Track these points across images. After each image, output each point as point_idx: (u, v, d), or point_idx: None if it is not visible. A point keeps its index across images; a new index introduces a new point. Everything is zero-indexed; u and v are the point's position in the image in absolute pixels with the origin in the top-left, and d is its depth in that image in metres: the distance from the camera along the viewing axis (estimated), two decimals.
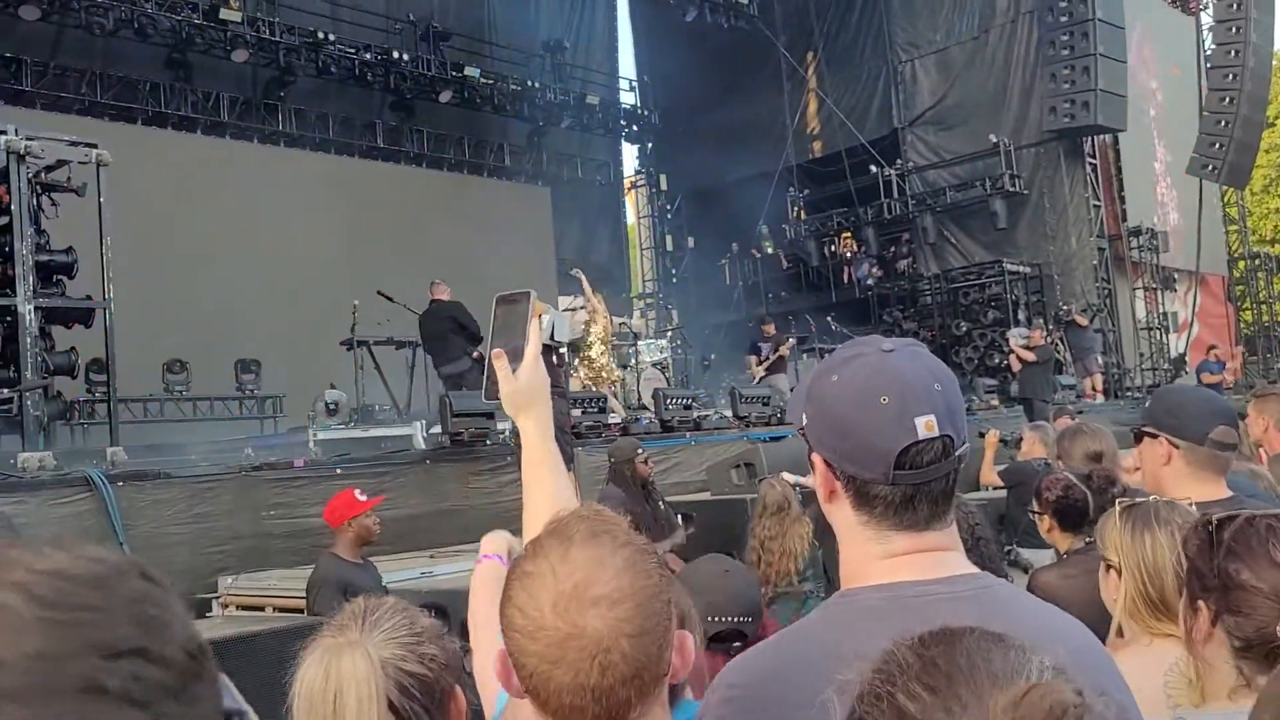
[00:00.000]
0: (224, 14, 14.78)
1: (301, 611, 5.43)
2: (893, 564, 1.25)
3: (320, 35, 16.07)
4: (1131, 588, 2.07)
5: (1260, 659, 1.57)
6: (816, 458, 1.30)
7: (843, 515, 1.29)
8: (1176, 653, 1.90)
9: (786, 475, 5.84)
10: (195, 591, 6.55)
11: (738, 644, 2.34)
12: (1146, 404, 2.72)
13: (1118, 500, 2.29)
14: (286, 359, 14.28)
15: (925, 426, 1.20)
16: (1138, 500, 2.26)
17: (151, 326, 13.89)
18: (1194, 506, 2.22)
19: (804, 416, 1.31)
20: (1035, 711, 0.76)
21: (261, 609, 6.14)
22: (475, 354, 10.48)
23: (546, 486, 1.74)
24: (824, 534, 5.77)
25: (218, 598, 6.49)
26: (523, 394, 1.74)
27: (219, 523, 6.94)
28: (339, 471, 7.58)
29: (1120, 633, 2.12)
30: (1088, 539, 3.05)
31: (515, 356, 1.74)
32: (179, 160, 14.78)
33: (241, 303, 15.43)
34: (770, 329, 15.27)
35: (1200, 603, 1.66)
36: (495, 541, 2.04)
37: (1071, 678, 0.82)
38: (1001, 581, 1.30)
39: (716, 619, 2.34)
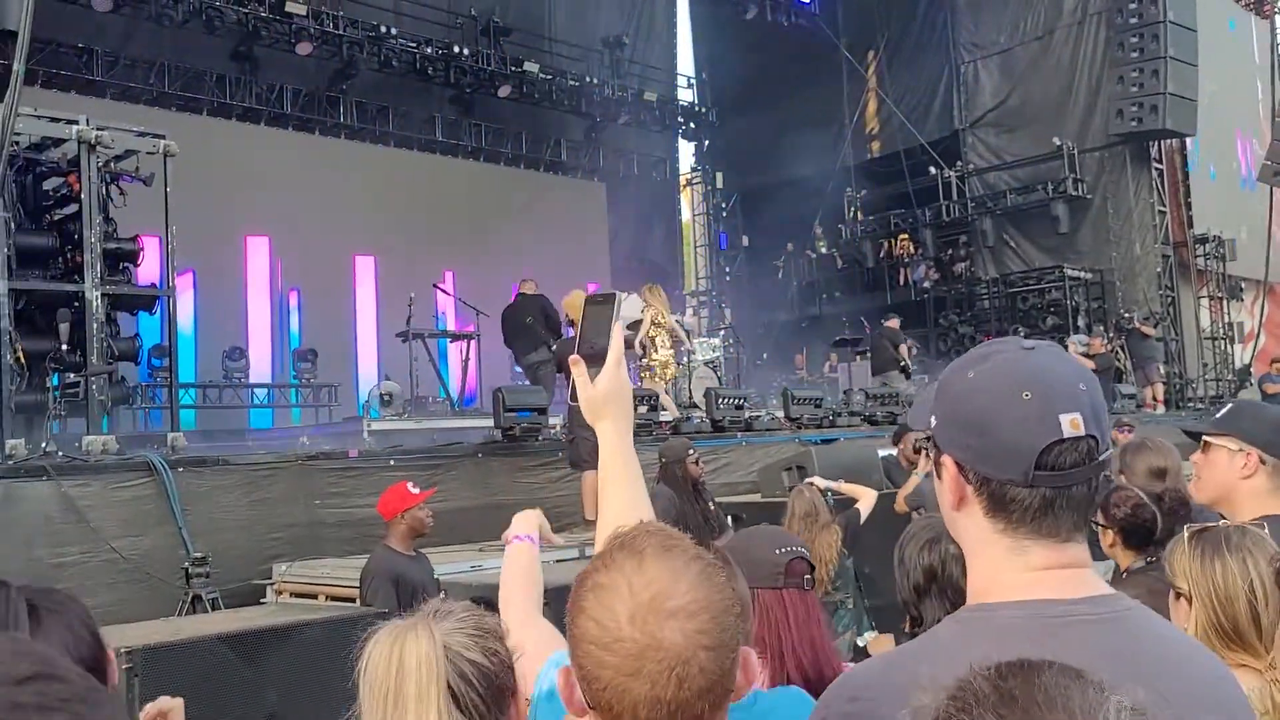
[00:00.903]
0: (289, 7, 15.00)
1: (353, 600, 5.49)
2: (1032, 578, 1.18)
3: (382, 29, 16.25)
4: (1203, 617, 2.01)
5: None
6: (947, 459, 1.23)
7: (973, 523, 1.22)
8: (1251, 683, 1.85)
9: (818, 481, 5.80)
10: (250, 577, 6.65)
11: (809, 575, 2.27)
12: (1222, 413, 2.67)
13: (1186, 525, 2.23)
14: (342, 349, 14.48)
15: (1071, 425, 1.14)
16: (1208, 525, 2.20)
17: (211, 315, 14.20)
18: (1265, 528, 2.16)
19: (932, 418, 1.25)
20: None
21: (314, 597, 6.21)
22: (553, 344, 10.56)
23: (622, 492, 1.72)
24: (854, 543, 5.73)
25: (272, 584, 6.58)
26: (601, 400, 1.72)
27: (274, 510, 7.05)
28: (392, 463, 7.65)
29: None
30: (1149, 559, 3.00)
31: (595, 361, 1.72)
32: (242, 151, 15.03)
33: (301, 292, 15.71)
34: (896, 323, 15.34)
35: None
36: (526, 521, 2.07)
37: (1152, 719, 0.80)
38: (1139, 604, 1.23)
39: (781, 549, 2.24)
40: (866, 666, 1.28)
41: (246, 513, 6.92)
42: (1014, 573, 1.19)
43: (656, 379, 11.33)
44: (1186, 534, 2.16)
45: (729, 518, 6.99)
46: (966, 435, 1.20)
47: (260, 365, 14.35)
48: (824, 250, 21.47)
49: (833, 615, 4.21)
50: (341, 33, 15.80)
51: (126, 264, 8.06)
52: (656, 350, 11.28)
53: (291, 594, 6.45)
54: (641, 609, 1.13)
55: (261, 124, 16.03)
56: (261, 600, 6.47)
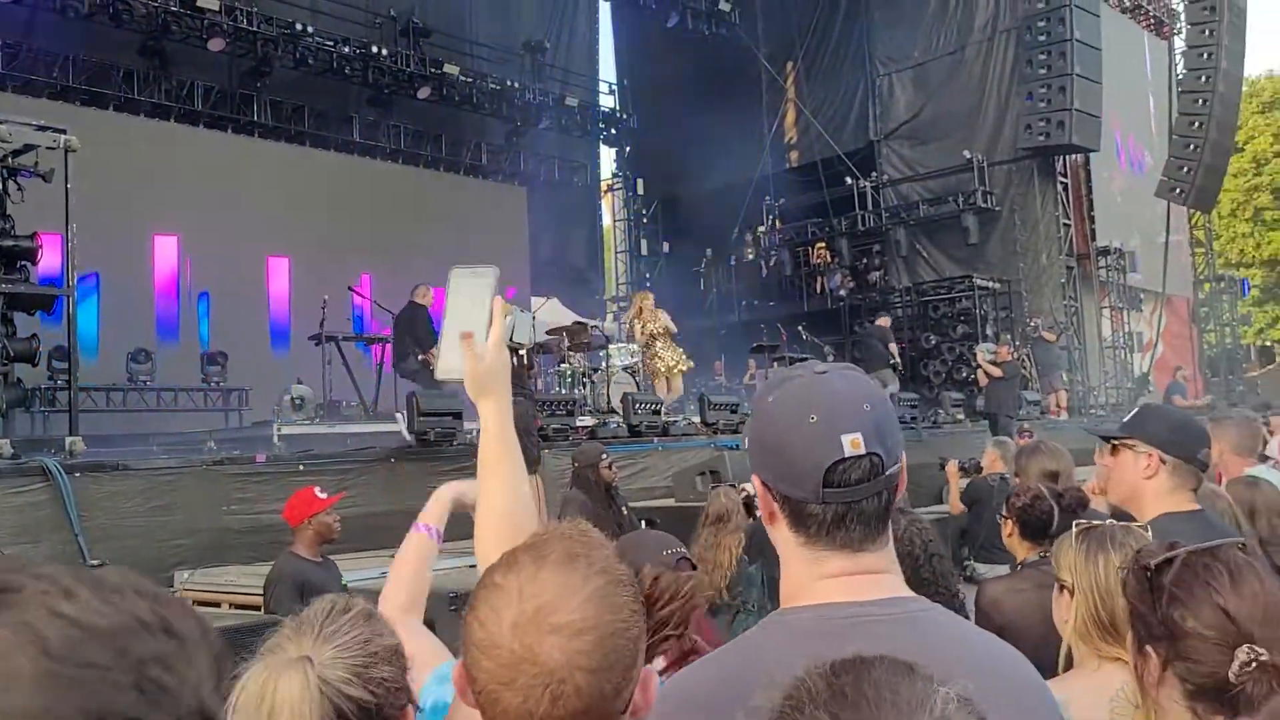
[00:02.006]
0: (201, 2, 14.64)
1: (258, 609, 5.38)
2: (827, 584, 1.26)
3: (298, 27, 15.96)
4: (1084, 609, 2.08)
5: (1214, 701, 1.56)
6: (755, 479, 1.31)
7: (782, 536, 1.30)
8: (1123, 678, 1.91)
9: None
10: None
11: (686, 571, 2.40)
12: (1128, 417, 2.79)
13: (1075, 523, 2.31)
14: (253, 352, 14.16)
15: (851, 444, 1.21)
16: (1095, 523, 2.28)
17: (116, 315, 13.78)
18: (1149, 530, 2.24)
19: (746, 441, 1.33)
20: None
21: (218, 605, 6.08)
22: (422, 357, 10.54)
23: (503, 473, 1.70)
24: (762, 549, 5.78)
25: (174, 592, 6.40)
26: (486, 375, 1.69)
27: (177, 516, 6.87)
28: (301, 468, 7.52)
29: (1070, 655, 2.14)
30: (1044, 553, 3.10)
31: (480, 335, 1.69)
32: (151, 148, 14.63)
33: (210, 294, 15.33)
34: (887, 322, 15.94)
35: (1149, 649, 1.64)
36: (440, 507, 2.02)
37: (977, 709, 0.82)
38: (938, 607, 1.30)
39: (667, 552, 2.40)
40: (682, 674, 1.31)
41: (148, 519, 6.73)
42: (812, 580, 1.26)
43: (660, 379, 11.75)
44: (1074, 530, 2.23)
45: (643, 522, 7.01)
46: (767, 456, 1.28)
47: (167, 368, 13.94)
48: (751, 257, 21.70)
49: (733, 619, 4.23)
50: (256, 29, 15.48)
51: (24, 262, 7.76)
52: (658, 354, 11.82)
53: (194, 602, 6.28)
54: (524, 619, 1.10)
55: (171, 121, 15.61)
56: None
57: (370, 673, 1.44)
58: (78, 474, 6.56)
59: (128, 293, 14.26)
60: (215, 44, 15.06)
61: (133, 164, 13.96)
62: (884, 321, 16.14)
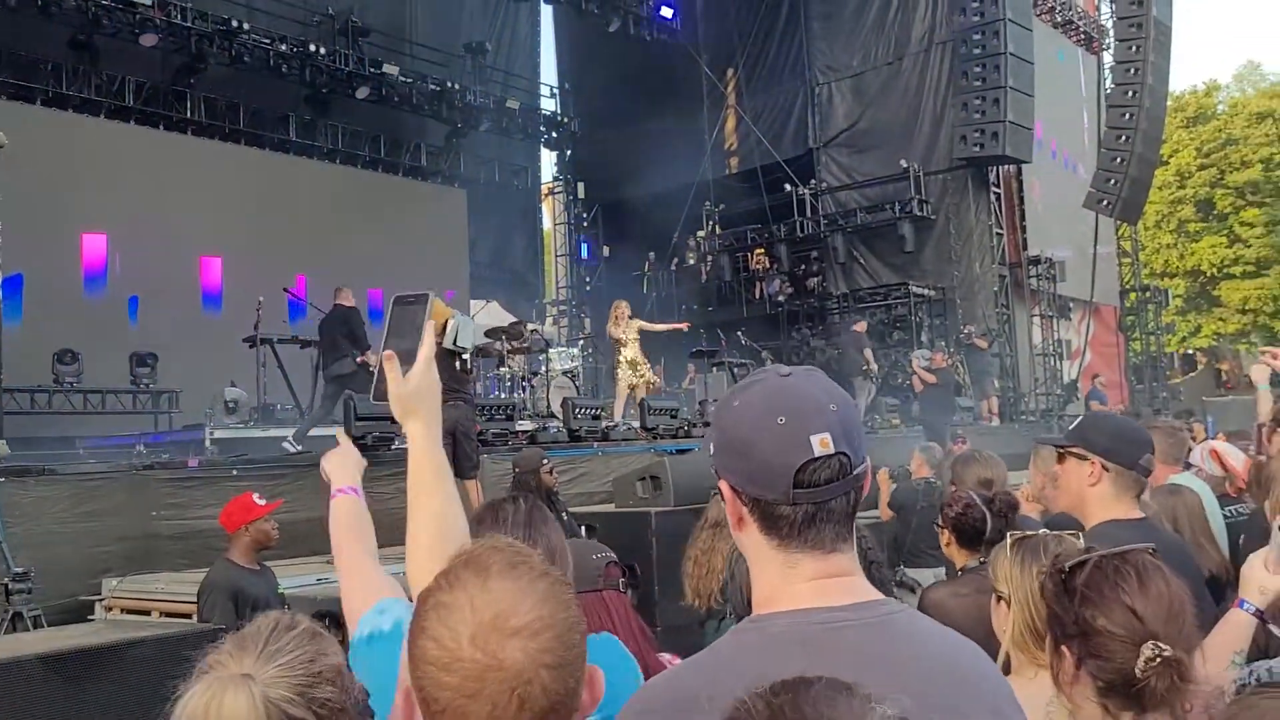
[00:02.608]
0: None
1: (190, 617, 5.27)
2: (802, 590, 1.26)
3: (234, 24, 15.67)
4: (1019, 619, 2.13)
5: (1123, 697, 1.65)
6: (723, 484, 1.31)
7: (752, 540, 1.30)
8: None
9: None
10: (78, 593, 6.32)
11: (623, 579, 2.43)
12: (1073, 425, 2.86)
13: (1009, 533, 2.36)
14: (185, 354, 13.86)
15: (820, 444, 1.22)
16: (1029, 534, 2.33)
17: (42, 315, 13.40)
18: (1082, 538, 2.31)
19: (711, 446, 1.32)
20: None
21: (147, 613, 5.94)
22: (360, 358, 10.41)
23: (435, 494, 1.70)
24: (739, 558, 5.79)
25: (101, 600, 6.26)
26: (412, 397, 1.70)
27: (105, 522, 6.71)
28: (235, 472, 7.39)
29: (1008, 664, 2.19)
30: (982, 559, 3.17)
31: (407, 359, 1.70)
32: (79, 144, 14.26)
33: (140, 294, 14.99)
34: (863, 327, 16.13)
35: (1064, 648, 1.72)
36: (345, 468, 1.95)
37: None
38: (904, 607, 1.33)
39: (597, 555, 2.40)
40: (659, 678, 1.32)
41: (74, 526, 6.56)
42: (787, 585, 1.27)
43: (622, 380, 11.72)
44: (1009, 540, 2.29)
45: (583, 528, 6.99)
46: (735, 460, 1.28)
47: (95, 369, 13.59)
48: (692, 262, 21.79)
49: (719, 623, 4.24)
50: (190, 25, 15.17)
51: None
52: (623, 355, 11.80)
53: (123, 610, 6.15)
54: (483, 628, 1.11)
55: (101, 116, 15.24)
56: (89, 618, 6.14)
57: (313, 693, 1.39)
58: (1, 479, 6.38)
59: (54, 292, 13.87)
60: (148, 39, 14.74)
61: (60, 160, 13.60)
62: (860, 327, 16.18)
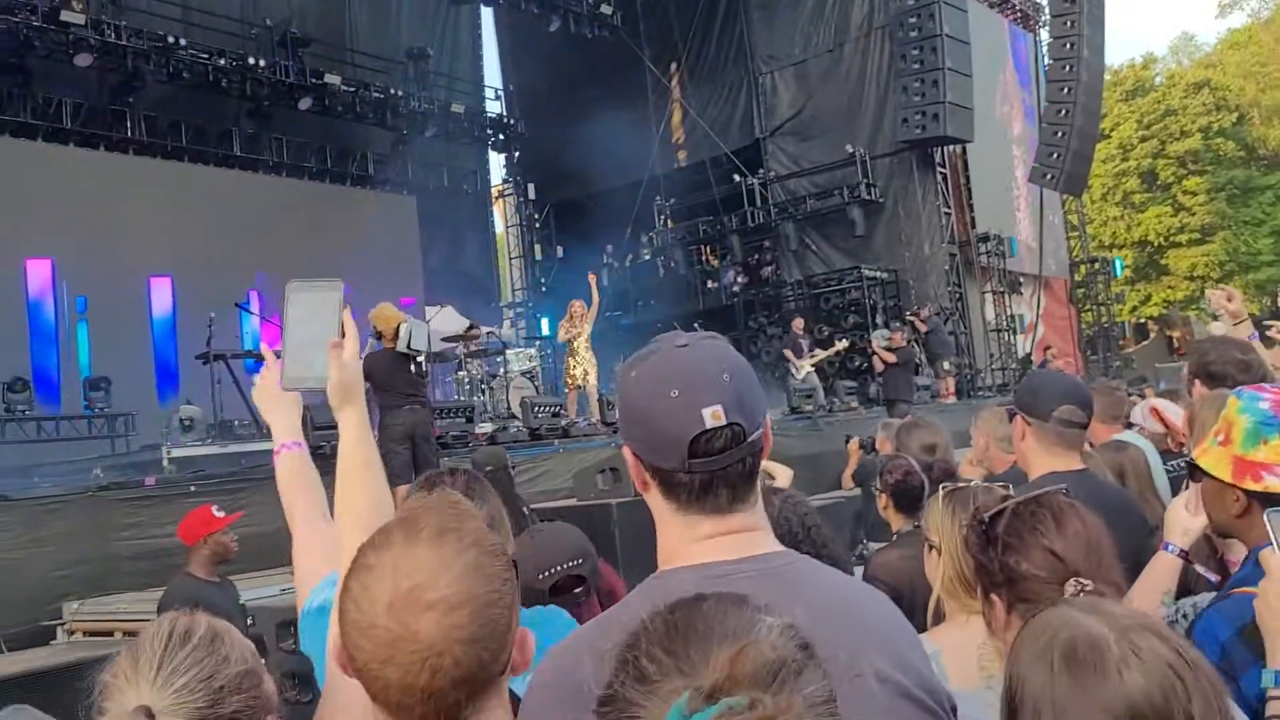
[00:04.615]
0: (65, 16, 14.09)
1: None
2: (702, 546, 1.31)
3: (170, 39, 15.47)
4: (949, 567, 2.20)
5: None
6: (626, 450, 1.36)
7: (655, 503, 1.35)
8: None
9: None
10: (38, 619, 6.25)
11: (579, 589, 2.40)
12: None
13: (941, 485, 2.43)
14: (138, 376, 13.71)
15: (712, 416, 1.26)
16: (960, 485, 2.41)
17: None
18: (1011, 489, 2.38)
19: (618, 413, 1.37)
20: (748, 665, 0.83)
21: (110, 634, 5.90)
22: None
23: (367, 478, 1.73)
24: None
25: (63, 624, 6.20)
26: (352, 385, 1.73)
27: (62, 546, 6.64)
28: (193, 489, 7.34)
29: (939, 610, 2.26)
30: (917, 523, 3.25)
31: (325, 349, 1.71)
32: (17, 169, 14.04)
33: (89, 318, 14.80)
34: (800, 325, 15.53)
35: (993, 596, 1.78)
36: (282, 414, 1.89)
37: (799, 636, 0.89)
38: (805, 558, 1.37)
39: (543, 574, 2.37)
40: (564, 641, 1.36)
41: (29, 550, 6.49)
42: (687, 543, 1.32)
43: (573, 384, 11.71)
44: (941, 492, 2.36)
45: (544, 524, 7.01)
46: (634, 429, 1.33)
47: (47, 397, 13.41)
48: (647, 257, 21.83)
49: None
50: (125, 43, 14.96)
51: None
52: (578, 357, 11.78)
53: (85, 633, 6.11)
54: (400, 599, 1.13)
55: (39, 140, 15.00)
56: (51, 642, 6.09)
57: (219, 711, 1.35)
58: None
59: (1, 319, 13.68)
60: (82, 59, 14.52)
61: (0, 186, 13.38)
62: (796, 324, 15.90)
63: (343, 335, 1.73)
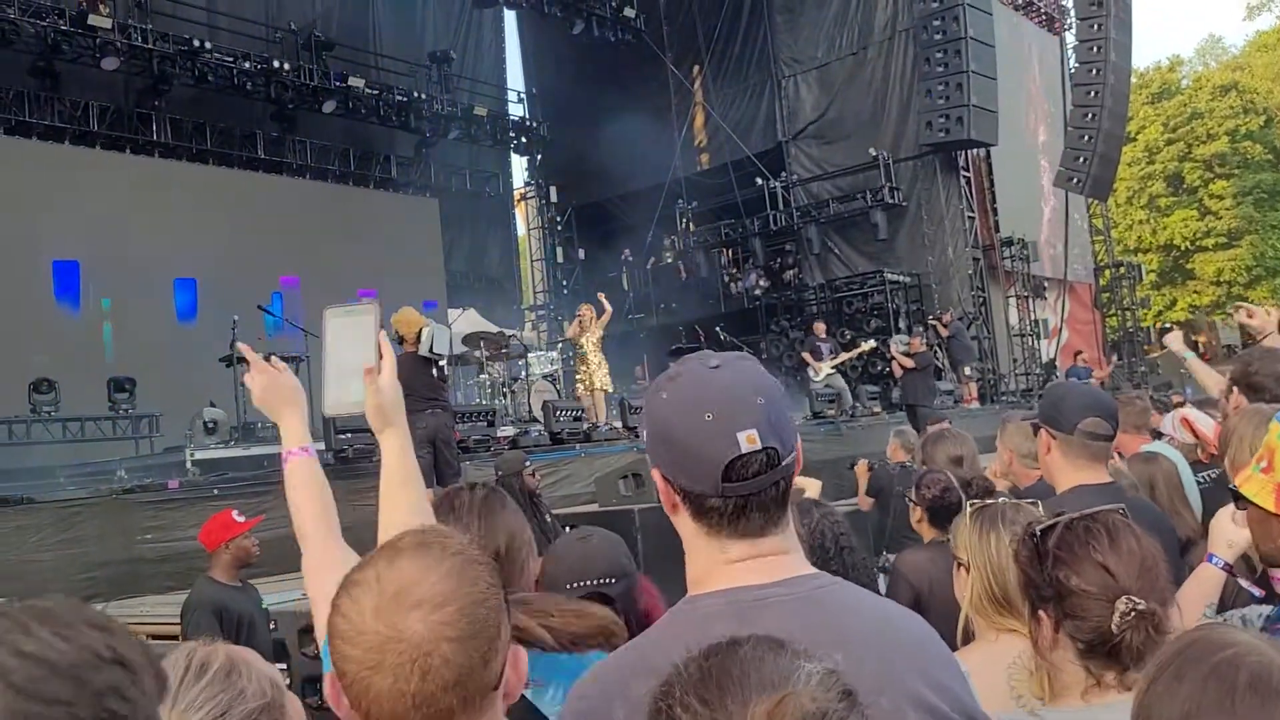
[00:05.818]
0: (93, 20, 14.25)
1: (176, 638, 5.26)
2: (733, 570, 1.28)
3: (196, 43, 15.61)
4: (978, 585, 2.17)
5: (1103, 656, 1.67)
6: (655, 472, 1.33)
7: (685, 526, 1.32)
8: (1020, 647, 2.00)
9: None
10: None
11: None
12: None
13: (970, 501, 2.40)
14: (163, 377, 13.80)
15: (747, 440, 1.23)
16: (988, 502, 2.38)
17: (16, 345, 13.33)
18: (1040, 506, 2.35)
19: (644, 434, 1.35)
20: (788, 718, 0.80)
21: None
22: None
23: (409, 500, 1.74)
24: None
25: None
26: (391, 407, 1.74)
27: (88, 548, 6.68)
28: (216, 492, 7.38)
29: (968, 629, 2.23)
30: (948, 537, 3.21)
31: (363, 373, 1.74)
32: (45, 171, 14.18)
33: (114, 319, 14.92)
34: (821, 328, 15.45)
35: (1041, 612, 1.74)
36: (294, 424, 1.87)
37: (842, 682, 0.86)
38: (840, 580, 1.34)
39: (574, 585, 2.33)
40: (599, 664, 1.34)
41: (56, 553, 6.54)
42: (718, 566, 1.29)
43: (585, 389, 11.67)
44: (969, 509, 2.33)
45: (566, 529, 7.01)
46: (665, 452, 1.30)
47: (72, 397, 13.51)
48: (669, 260, 21.83)
49: None
50: (151, 47, 15.11)
51: None
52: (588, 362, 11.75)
53: None
54: (385, 602, 1.12)
55: (66, 143, 15.16)
56: None
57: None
58: None
59: (28, 321, 13.81)
60: (109, 63, 14.67)
61: (28, 188, 13.53)
62: (818, 328, 15.67)
63: (379, 358, 1.75)
